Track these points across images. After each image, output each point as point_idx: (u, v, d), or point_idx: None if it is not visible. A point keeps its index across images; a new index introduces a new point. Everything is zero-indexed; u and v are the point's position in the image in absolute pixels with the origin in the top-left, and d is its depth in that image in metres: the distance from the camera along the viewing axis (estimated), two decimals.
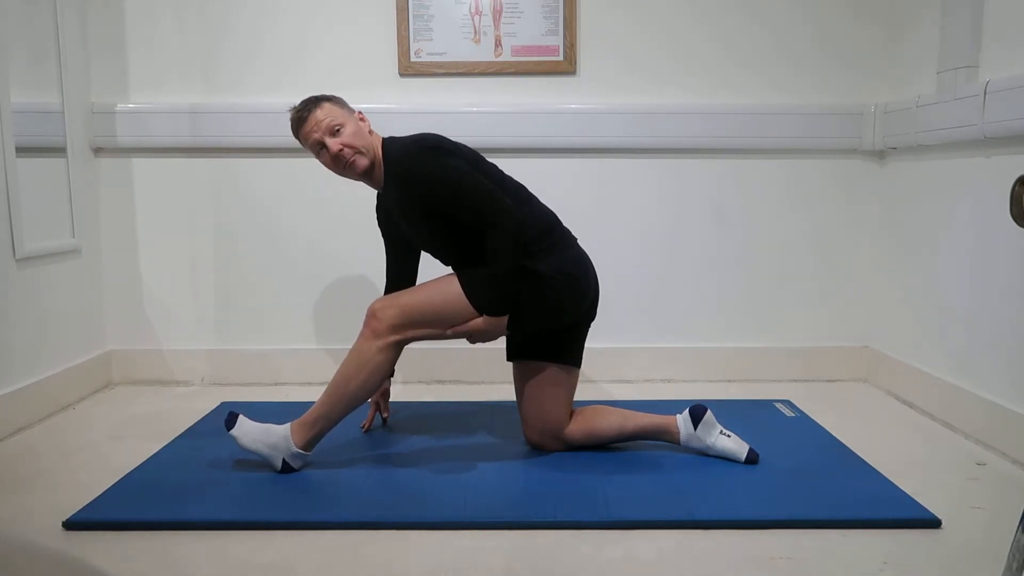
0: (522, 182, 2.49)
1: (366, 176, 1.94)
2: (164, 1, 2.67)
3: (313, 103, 1.91)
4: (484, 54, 2.70)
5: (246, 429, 1.88)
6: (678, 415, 2.01)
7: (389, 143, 1.95)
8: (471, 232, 1.87)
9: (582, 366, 2.76)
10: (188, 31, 2.69)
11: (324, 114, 1.89)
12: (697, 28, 2.71)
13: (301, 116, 1.90)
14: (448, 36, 2.69)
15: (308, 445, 1.89)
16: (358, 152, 1.90)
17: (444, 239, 1.94)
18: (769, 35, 2.71)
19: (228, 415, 1.90)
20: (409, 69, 2.70)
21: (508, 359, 2.05)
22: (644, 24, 2.71)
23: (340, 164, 1.90)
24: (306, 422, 1.87)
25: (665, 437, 2.02)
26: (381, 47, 2.70)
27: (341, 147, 1.88)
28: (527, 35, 2.70)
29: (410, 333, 1.85)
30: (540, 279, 1.85)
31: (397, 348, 1.86)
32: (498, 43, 2.70)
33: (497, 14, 2.68)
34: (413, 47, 2.69)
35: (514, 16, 2.69)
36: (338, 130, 1.89)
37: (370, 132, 1.96)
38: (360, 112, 1.98)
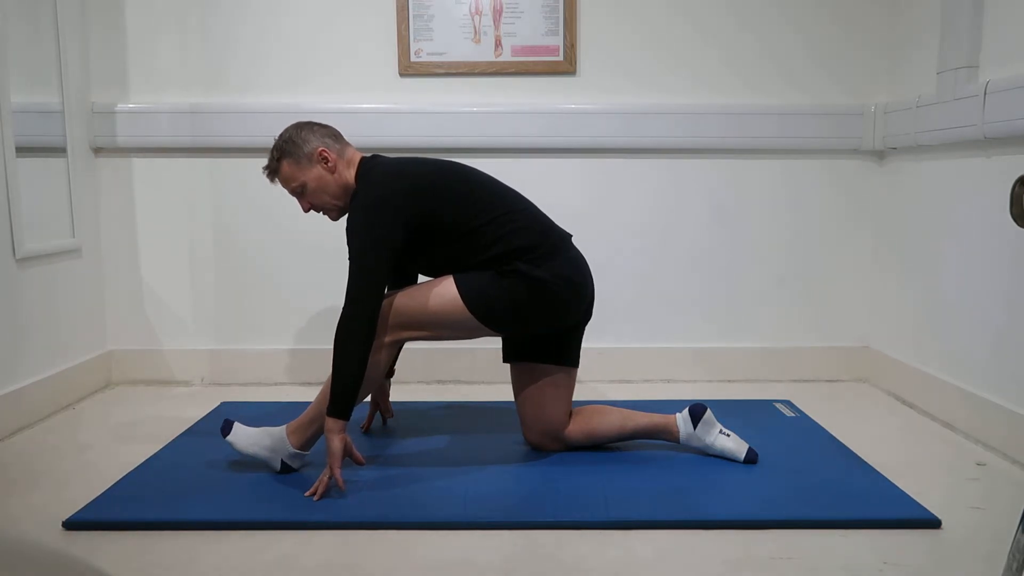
0: (522, 182, 2.50)
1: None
2: (164, 1, 2.67)
3: (274, 167, 1.93)
4: (484, 54, 2.70)
5: (242, 434, 1.89)
6: (678, 414, 2.01)
7: (364, 171, 1.91)
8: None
9: (582, 366, 2.78)
10: (188, 31, 2.69)
11: (284, 179, 1.93)
12: (697, 29, 2.71)
13: (271, 177, 1.96)
14: (448, 36, 2.69)
15: (305, 445, 1.89)
16: (325, 209, 1.95)
17: (416, 259, 1.98)
18: (769, 36, 2.71)
19: (223, 423, 1.90)
20: (409, 69, 2.70)
21: (505, 360, 2.05)
22: (644, 25, 2.70)
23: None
24: (302, 423, 1.87)
25: (665, 436, 2.02)
26: (381, 47, 2.70)
27: (309, 208, 1.95)
28: (527, 35, 2.70)
29: (405, 334, 1.85)
30: (539, 284, 1.85)
31: (392, 348, 1.86)
32: (498, 43, 2.70)
33: (497, 14, 2.68)
34: (413, 47, 2.69)
35: (514, 16, 2.69)
36: (301, 190, 1.92)
37: (335, 169, 1.91)
38: (320, 149, 1.90)
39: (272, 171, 1.94)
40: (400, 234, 1.81)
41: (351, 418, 2.20)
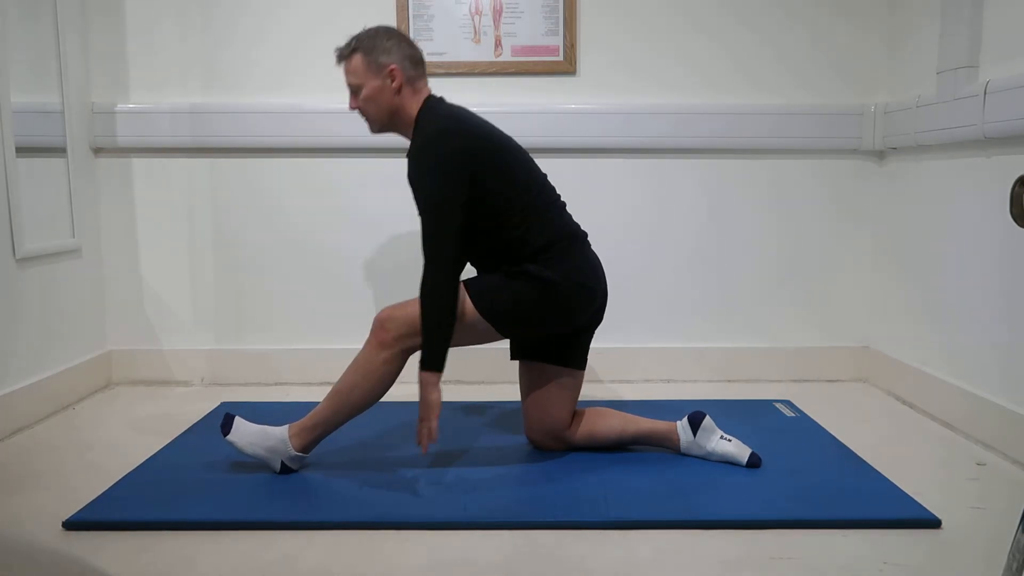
0: None
1: (388, 132, 1.96)
2: (164, 1, 2.67)
3: (346, 54, 1.89)
4: (484, 54, 2.70)
5: (243, 432, 1.88)
6: (678, 422, 2.00)
7: (427, 112, 1.88)
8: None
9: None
10: (188, 31, 2.69)
11: (348, 70, 1.89)
12: (698, 29, 2.71)
13: (339, 60, 1.92)
14: (448, 36, 2.69)
15: (307, 448, 1.89)
16: (368, 118, 1.92)
17: None
18: (769, 36, 2.71)
19: (224, 418, 1.89)
20: None
21: (512, 358, 2.04)
22: (644, 25, 2.71)
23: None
24: (306, 427, 1.87)
25: (665, 443, 2.01)
26: None
27: (355, 108, 1.92)
28: (527, 35, 2.70)
29: (417, 342, 1.84)
30: (549, 286, 1.85)
31: (404, 357, 1.85)
32: (498, 43, 2.70)
33: (497, 14, 2.68)
34: None
35: (514, 16, 2.69)
36: (356, 90, 1.89)
37: (398, 91, 1.87)
38: (393, 67, 1.86)
39: (342, 56, 1.91)
40: (465, 190, 1.80)
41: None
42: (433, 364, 1.77)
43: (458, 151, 1.80)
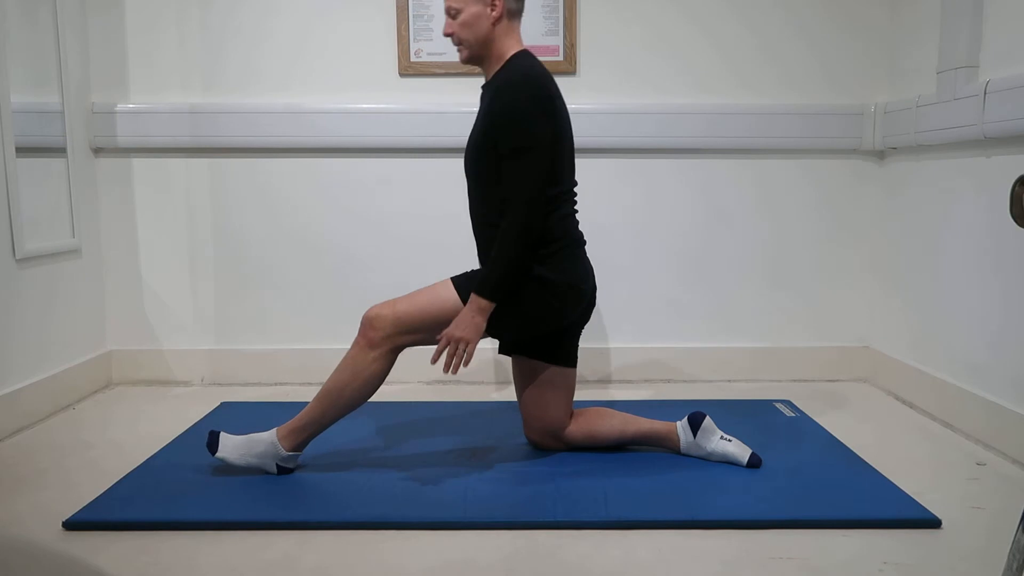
0: None
1: (474, 64, 1.94)
2: (164, 1, 2.67)
3: None
4: None
5: (230, 446, 1.87)
6: (678, 423, 2.01)
7: (517, 61, 1.87)
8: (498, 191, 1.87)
9: (582, 366, 2.78)
10: (188, 31, 2.69)
11: None
12: (697, 29, 2.71)
13: None
14: None
15: (300, 447, 1.88)
16: (460, 44, 1.90)
17: (482, 171, 1.90)
18: (769, 36, 2.71)
19: (208, 437, 1.88)
20: (409, 69, 2.70)
21: (501, 352, 2.04)
22: (644, 25, 2.71)
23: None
24: (296, 427, 1.86)
25: (665, 444, 2.01)
26: (381, 47, 2.70)
27: (450, 33, 1.90)
28: (527, 35, 2.69)
29: (405, 339, 1.85)
30: (547, 286, 1.85)
31: (393, 355, 1.86)
32: None
33: None
34: (413, 47, 2.69)
35: None
36: (455, 14, 1.88)
37: (494, 23, 1.85)
38: None
39: None
40: (551, 150, 1.81)
41: (350, 418, 2.21)
42: (493, 295, 1.78)
43: (547, 101, 1.80)
